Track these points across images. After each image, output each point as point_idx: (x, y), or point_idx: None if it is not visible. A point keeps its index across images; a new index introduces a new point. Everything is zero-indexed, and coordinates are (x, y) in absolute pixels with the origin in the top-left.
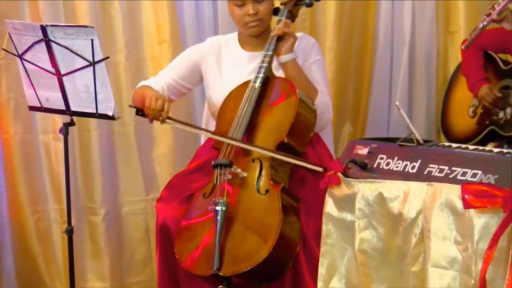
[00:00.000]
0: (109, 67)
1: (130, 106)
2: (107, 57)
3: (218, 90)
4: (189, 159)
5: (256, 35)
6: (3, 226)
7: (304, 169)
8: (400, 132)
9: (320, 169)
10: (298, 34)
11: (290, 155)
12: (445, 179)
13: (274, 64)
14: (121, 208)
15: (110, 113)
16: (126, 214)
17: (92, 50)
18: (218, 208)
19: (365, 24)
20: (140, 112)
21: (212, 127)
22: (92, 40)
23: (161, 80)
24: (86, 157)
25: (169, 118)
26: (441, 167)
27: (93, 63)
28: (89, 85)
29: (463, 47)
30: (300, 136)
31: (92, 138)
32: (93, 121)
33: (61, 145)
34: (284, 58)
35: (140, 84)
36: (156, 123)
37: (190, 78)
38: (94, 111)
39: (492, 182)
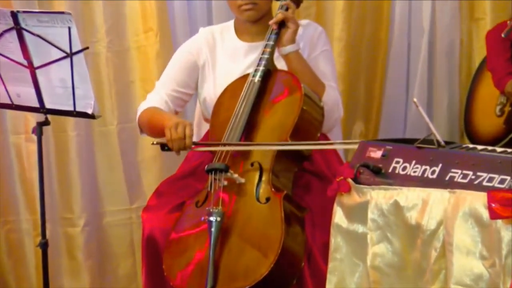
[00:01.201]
0: (89, 58)
1: (153, 143)
2: (86, 48)
3: (212, 87)
4: (179, 162)
5: (252, 21)
6: None
7: (311, 173)
8: (418, 133)
9: (354, 146)
10: (303, 22)
11: (295, 161)
12: (469, 186)
13: (276, 55)
14: (103, 218)
15: (89, 111)
16: (108, 225)
17: (69, 39)
18: (212, 218)
19: (379, 10)
20: (166, 147)
21: (205, 131)
22: (69, 28)
23: (161, 95)
24: (62, 161)
25: (194, 143)
26: (464, 172)
27: (70, 54)
28: (66, 79)
29: (503, 34)
30: (306, 137)
31: (69, 139)
32: (70, 120)
33: (34, 147)
34: (285, 49)
35: (142, 108)
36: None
37: (190, 82)
38: (71, 108)
39: None
